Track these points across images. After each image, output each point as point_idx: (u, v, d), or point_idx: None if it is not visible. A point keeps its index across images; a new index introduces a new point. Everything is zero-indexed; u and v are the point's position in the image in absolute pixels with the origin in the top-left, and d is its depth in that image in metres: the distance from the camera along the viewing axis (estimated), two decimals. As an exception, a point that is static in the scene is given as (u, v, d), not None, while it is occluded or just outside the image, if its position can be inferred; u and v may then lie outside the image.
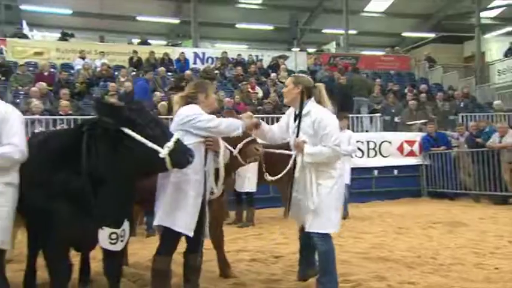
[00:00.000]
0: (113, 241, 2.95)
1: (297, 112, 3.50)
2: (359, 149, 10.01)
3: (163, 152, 2.77)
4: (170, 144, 2.80)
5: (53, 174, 2.92)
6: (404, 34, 23.54)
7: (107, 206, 2.89)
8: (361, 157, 10.14)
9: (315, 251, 3.64)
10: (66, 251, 3.10)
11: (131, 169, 2.88)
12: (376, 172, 10.28)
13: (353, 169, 8.09)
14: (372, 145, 10.38)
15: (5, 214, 2.83)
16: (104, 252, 3.10)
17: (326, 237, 3.44)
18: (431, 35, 22.21)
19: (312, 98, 3.52)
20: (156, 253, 3.31)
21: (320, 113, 3.40)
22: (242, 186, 7.16)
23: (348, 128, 8.81)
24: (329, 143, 3.33)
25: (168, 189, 3.19)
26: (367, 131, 11.39)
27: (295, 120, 3.51)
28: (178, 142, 2.85)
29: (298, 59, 15.30)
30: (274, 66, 15.86)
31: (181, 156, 2.84)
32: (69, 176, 2.89)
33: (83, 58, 14.04)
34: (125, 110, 2.90)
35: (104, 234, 2.93)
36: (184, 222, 3.17)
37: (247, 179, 7.08)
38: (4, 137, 2.77)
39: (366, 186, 10.03)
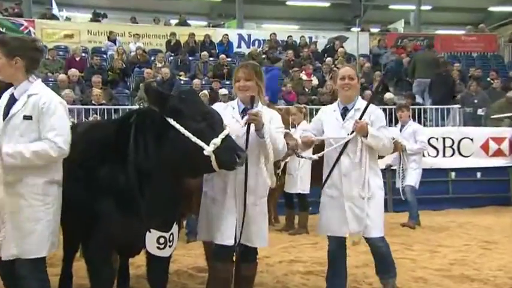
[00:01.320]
0: (161, 246, 3.03)
1: (349, 108, 3.85)
2: (433, 146, 9.75)
3: (208, 149, 2.80)
4: (217, 140, 2.82)
5: (96, 168, 3.04)
6: (491, 9, 22.53)
7: (154, 206, 2.98)
8: (435, 156, 9.85)
9: (345, 264, 3.93)
10: (110, 254, 3.22)
11: (177, 166, 2.94)
12: (453, 174, 9.95)
13: (425, 170, 7.87)
14: (449, 142, 10.02)
15: (53, 215, 2.98)
16: (149, 258, 3.19)
17: (384, 238, 3.84)
18: (525, 9, 21.10)
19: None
20: (214, 259, 3.37)
21: (371, 106, 3.82)
22: (293, 187, 7.14)
23: (417, 121, 8.58)
24: (386, 135, 3.79)
25: (202, 197, 3.33)
26: (442, 125, 11.04)
27: (343, 116, 3.83)
28: (226, 139, 2.87)
29: (359, 41, 15.01)
30: (331, 50, 15.70)
31: (227, 155, 2.84)
32: (114, 171, 3.00)
33: (113, 41, 14.51)
34: (171, 98, 2.97)
35: (151, 238, 3.01)
36: (220, 232, 3.24)
37: (299, 178, 7.03)
38: (42, 132, 2.88)
39: (441, 191, 9.73)
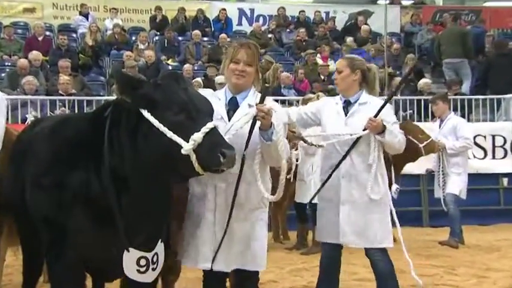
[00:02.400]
0: (141, 269, 3.01)
1: (352, 101, 4.21)
2: (479, 146, 9.75)
3: (186, 147, 2.77)
4: (197, 136, 2.78)
5: (65, 173, 3.02)
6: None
7: (135, 219, 2.97)
8: (482, 158, 9.87)
9: (338, 273, 4.35)
10: (82, 278, 3.19)
11: (155, 168, 2.93)
12: (505, 181, 9.96)
13: (470, 176, 7.86)
14: (499, 141, 10.03)
15: None
16: (128, 283, 3.16)
17: (385, 252, 4.14)
18: None
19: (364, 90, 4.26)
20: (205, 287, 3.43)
21: (376, 100, 4.21)
22: (305, 196, 7.10)
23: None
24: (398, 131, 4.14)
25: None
26: (491, 120, 10.96)
27: (346, 110, 4.19)
28: (210, 133, 2.83)
29: (388, 16, 14.94)
30: (353, 28, 15.71)
31: (208, 154, 2.79)
32: (86, 176, 2.99)
33: (85, 16, 14.48)
34: (146, 85, 2.97)
35: (130, 259, 2.99)
36: (194, 253, 3.29)
37: (313, 185, 7.00)
38: None
39: (490, 201, 9.75)
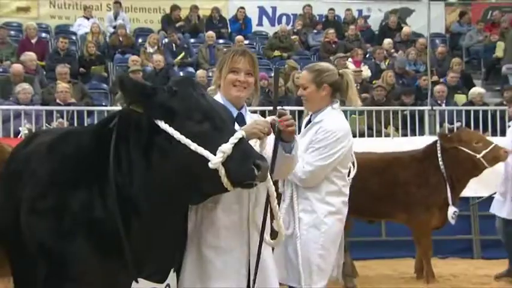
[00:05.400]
0: (152, 302, 3.04)
1: (312, 118, 4.27)
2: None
3: (214, 160, 2.78)
4: (226, 147, 2.80)
5: (65, 196, 3.04)
6: None
7: (145, 248, 2.98)
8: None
9: None
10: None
11: (173, 187, 2.94)
12: None
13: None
14: None
15: None
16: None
17: None
18: None
19: (336, 103, 4.27)
20: None
21: (331, 121, 4.15)
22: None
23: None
24: (310, 157, 4.06)
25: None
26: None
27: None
28: (240, 144, 2.85)
29: (431, 15, 14.88)
30: (390, 28, 15.70)
31: (241, 167, 2.82)
32: (89, 198, 3.01)
33: (88, 18, 14.67)
34: (160, 92, 2.98)
35: (139, 291, 3.02)
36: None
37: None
38: None
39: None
